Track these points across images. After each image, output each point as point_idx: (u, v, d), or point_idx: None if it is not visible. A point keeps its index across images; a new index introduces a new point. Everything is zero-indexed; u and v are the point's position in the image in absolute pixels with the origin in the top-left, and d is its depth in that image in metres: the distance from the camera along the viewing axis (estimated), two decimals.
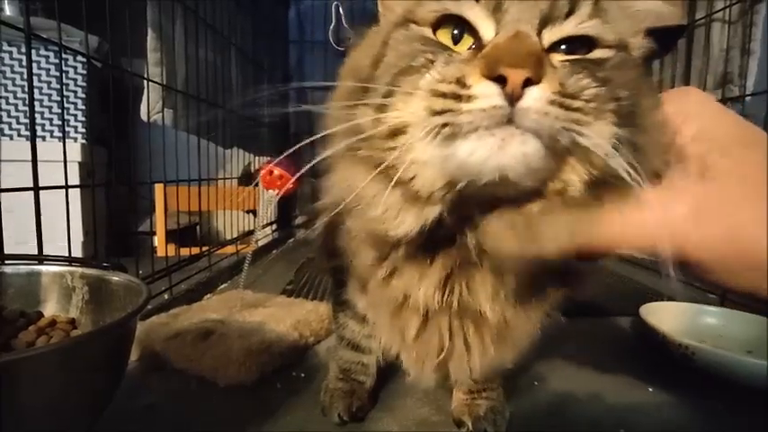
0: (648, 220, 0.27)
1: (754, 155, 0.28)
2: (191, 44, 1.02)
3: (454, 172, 0.28)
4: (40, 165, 0.60)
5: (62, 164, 0.68)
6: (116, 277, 0.45)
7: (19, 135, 1.53)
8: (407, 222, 0.31)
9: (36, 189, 0.59)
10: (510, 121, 0.25)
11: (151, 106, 0.91)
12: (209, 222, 1.70)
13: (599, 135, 0.26)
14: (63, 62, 1.47)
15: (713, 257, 0.26)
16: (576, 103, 0.26)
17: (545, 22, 0.28)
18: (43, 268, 0.46)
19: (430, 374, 0.40)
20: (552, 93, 0.25)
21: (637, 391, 0.59)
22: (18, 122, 1.53)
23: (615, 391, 0.59)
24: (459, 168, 0.27)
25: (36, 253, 0.58)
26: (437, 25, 0.31)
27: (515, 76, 0.25)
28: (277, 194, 0.91)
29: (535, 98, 0.25)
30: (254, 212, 1.67)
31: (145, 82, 0.91)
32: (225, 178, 1.42)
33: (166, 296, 0.91)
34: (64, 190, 0.68)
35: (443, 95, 0.27)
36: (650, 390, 0.59)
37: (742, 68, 0.94)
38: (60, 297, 0.46)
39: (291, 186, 0.92)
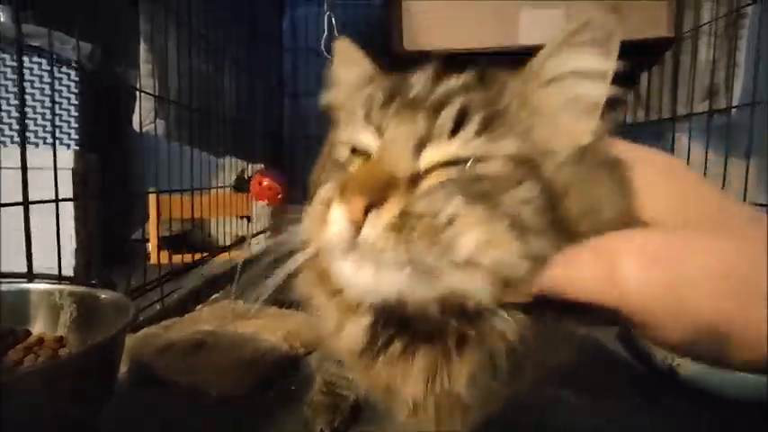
0: (589, 267, 0.26)
1: (717, 213, 0.27)
2: (183, 55, 1.02)
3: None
4: (32, 172, 0.60)
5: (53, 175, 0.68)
6: (104, 294, 0.46)
7: (12, 141, 1.53)
8: (353, 334, 0.30)
9: (25, 204, 0.59)
10: (356, 247, 0.26)
11: (143, 117, 0.91)
12: (203, 229, 1.70)
13: (466, 248, 0.25)
14: (56, 69, 1.47)
15: (648, 308, 0.25)
16: (423, 227, 0.25)
17: (423, 142, 0.28)
18: (31, 286, 0.47)
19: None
20: (390, 219, 0.25)
21: (623, 403, 0.59)
22: (11, 129, 1.53)
23: (601, 402, 0.59)
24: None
25: (26, 265, 0.59)
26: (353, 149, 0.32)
27: (354, 203, 0.25)
28: (267, 204, 0.91)
29: (373, 225, 0.25)
30: (249, 218, 1.67)
31: (137, 93, 0.91)
32: (218, 187, 1.42)
33: (158, 306, 0.91)
34: (55, 203, 0.68)
35: (316, 215, 0.28)
36: (636, 400, 0.60)
37: (728, 81, 0.95)
38: (48, 315, 0.47)
39: (281, 196, 0.93)
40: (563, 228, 0.27)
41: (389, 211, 0.25)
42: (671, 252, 0.25)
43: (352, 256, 0.26)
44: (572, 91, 0.31)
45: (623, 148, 0.31)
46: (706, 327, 0.24)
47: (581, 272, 0.26)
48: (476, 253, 0.25)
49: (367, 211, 0.25)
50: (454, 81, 0.31)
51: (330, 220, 0.26)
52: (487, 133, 0.28)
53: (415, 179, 0.27)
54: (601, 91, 0.30)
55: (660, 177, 0.29)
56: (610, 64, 0.30)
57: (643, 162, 0.30)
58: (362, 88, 0.35)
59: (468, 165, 0.28)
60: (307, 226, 0.29)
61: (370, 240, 0.25)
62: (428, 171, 0.28)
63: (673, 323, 0.25)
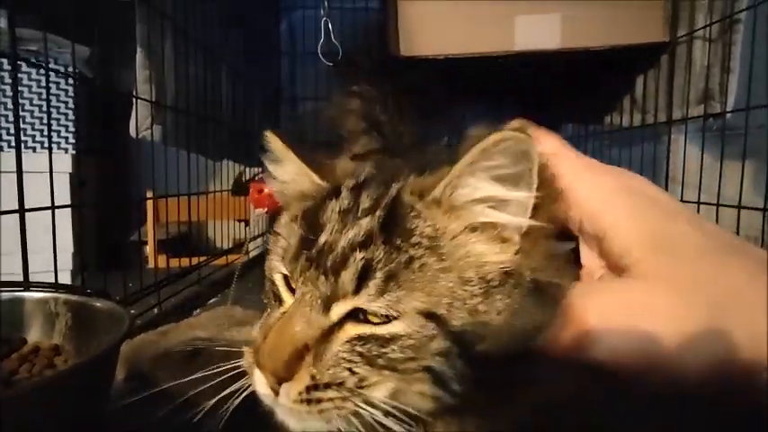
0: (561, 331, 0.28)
1: (696, 261, 0.26)
2: (180, 61, 1.03)
3: None
4: (32, 175, 0.60)
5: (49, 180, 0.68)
6: (99, 303, 0.46)
7: (9, 147, 1.53)
8: None
9: (21, 211, 0.59)
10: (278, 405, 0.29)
11: (140, 123, 0.92)
12: (201, 232, 1.70)
13: (377, 394, 0.28)
14: (52, 74, 1.47)
15: (619, 360, 0.27)
16: (331, 394, 0.27)
17: (330, 300, 0.29)
18: (26, 294, 0.47)
19: None
20: (299, 392, 0.28)
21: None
22: (9, 134, 1.53)
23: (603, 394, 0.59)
24: None
25: (21, 270, 0.59)
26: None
27: (267, 377, 0.29)
28: (266, 212, 0.91)
29: (286, 395, 0.28)
30: (246, 222, 1.67)
31: (133, 99, 0.91)
32: (215, 191, 1.42)
33: (156, 311, 0.91)
34: (51, 210, 0.68)
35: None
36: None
37: (723, 85, 0.95)
38: (44, 323, 0.47)
39: (280, 203, 0.93)
40: (485, 362, 0.28)
41: (296, 387, 0.28)
42: (631, 310, 0.27)
43: (277, 409, 0.30)
44: (482, 220, 0.29)
45: (576, 165, 0.31)
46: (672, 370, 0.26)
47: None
48: (389, 401, 0.28)
49: (280, 382, 0.28)
50: (355, 231, 0.29)
51: (254, 378, 0.30)
52: (389, 292, 0.28)
53: (329, 331, 0.29)
54: (516, 217, 0.29)
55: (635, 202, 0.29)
56: (522, 192, 0.28)
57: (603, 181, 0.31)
58: (292, 204, 0.36)
59: (377, 322, 0.28)
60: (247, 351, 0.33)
61: (287, 406, 0.28)
62: (341, 322, 0.29)
63: (647, 371, 0.26)
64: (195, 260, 1.20)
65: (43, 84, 1.51)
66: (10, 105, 1.51)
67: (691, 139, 1.09)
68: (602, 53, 1.08)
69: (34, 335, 0.47)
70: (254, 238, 1.49)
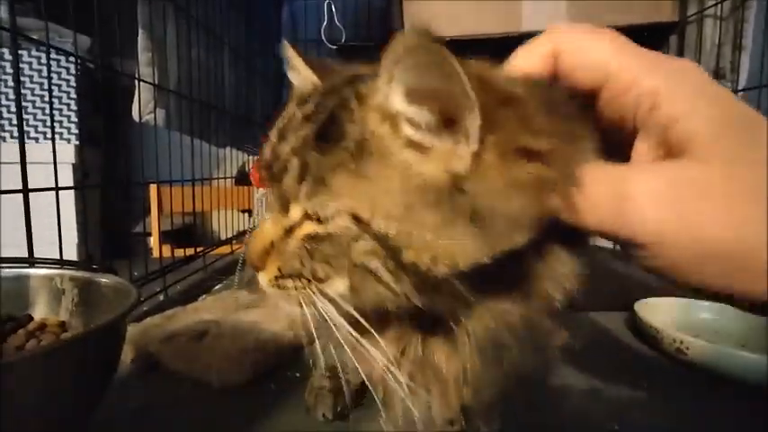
0: (603, 195, 0.26)
1: (753, 147, 0.24)
2: (183, 44, 1.01)
3: None
4: (33, 166, 0.59)
5: (53, 165, 0.68)
6: (105, 279, 0.45)
7: (12, 137, 1.53)
8: None
9: (25, 191, 0.58)
10: None
11: (143, 106, 0.91)
12: (205, 222, 1.70)
13: (335, 288, 0.31)
14: (54, 63, 1.46)
15: (670, 252, 0.25)
16: (291, 282, 0.32)
17: (286, 203, 0.32)
18: (32, 271, 0.46)
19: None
20: (269, 280, 0.33)
21: (630, 387, 0.59)
22: (11, 124, 1.52)
23: (609, 386, 0.59)
24: None
25: (26, 255, 0.58)
26: None
27: (253, 268, 0.33)
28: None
29: (262, 281, 0.33)
30: (250, 212, 1.67)
31: (136, 82, 0.90)
32: (219, 178, 1.42)
33: (161, 297, 0.91)
34: (55, 191, 0.67)
35: None
36: (644, 385, 0.59)
37: (734, 64, 0.94)
38: (50, 300, 0.46)
39: None
40: (416, 272, 0.29)
41: (267, 275, 0.33)
42: (683, 188, 0.25)
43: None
44: (409, 133, 0.28)
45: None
46: (719, 253, 0.24)
47: (592, 203, 0.27)
48: (343, 295, 0.31)
49: (259, 271, 0.33)
50: (296, 137, 0.31)
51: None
52: (318, 195, 0.30)
53: (290, 230, 0.32)
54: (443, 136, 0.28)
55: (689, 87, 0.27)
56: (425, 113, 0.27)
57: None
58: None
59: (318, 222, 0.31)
60: None
61: (268, 291, 0.33)
62: (299, 222, 0.32)
63: (685, 253, 0.24)
64: (200, 249, 1.19)
65: (44, 74, 1.50)
66: (11, 96, 1.51)
67: None
68: None
69: (40, 311, 0.46)
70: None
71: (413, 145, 0.28)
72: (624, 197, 0.26)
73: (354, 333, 0.32)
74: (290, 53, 0.39)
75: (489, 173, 0.28)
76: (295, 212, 0.32)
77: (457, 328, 0.33)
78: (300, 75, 0.39)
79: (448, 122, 0.28)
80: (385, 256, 0.29)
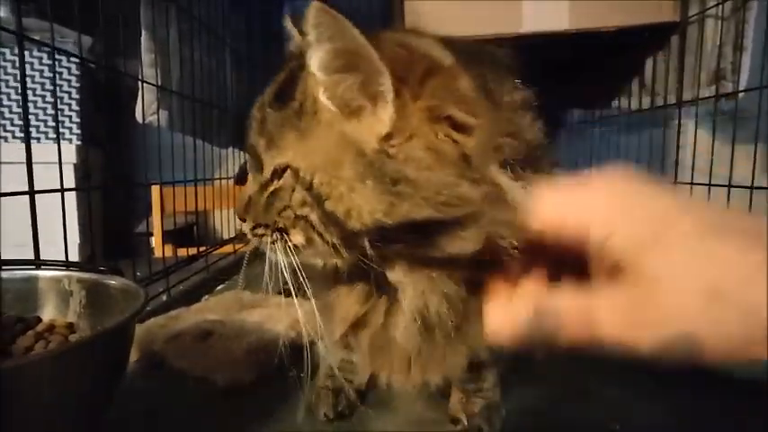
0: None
1: (687, 251, 0.24)
2: (185, 44, 1.02)
3: None
4: (35, 167, 0.60)
5: (58, 166, 0.68)
6: (113, 281, 0.45)
7: (14, 137, 1.53)
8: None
9: (31, 193, 0.59)
10: None
11: (146, 107, 0.91)
12: (207, 222, 1.70)
13: (295, 240, 0.34)
14: (56, 63, 1.47)
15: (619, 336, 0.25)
16: (263, 231, 0.35)
17: (260, 163, 0.35)
18: (40, 273, 0.47)
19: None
20: (249, 230, 0.36)
21: (631, 387, 0.59)
22: (13, 124, 1.53)
23: (611, 384, 0.59)
24: None
25: (33, 257, 0.59)
26: None
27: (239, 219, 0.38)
28: None
29: (245, 230, 0.37)
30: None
31: (139, 83, 0.91)
32: (221, 178, 1.42)
33: (165, 297, 0.92)
34: (60, 193, 0.67)
35: None
36: (644, 384, 0.59)
37: (735, 65, 0.94)
38: (58, 302, 0.46)
39: None
40: (336, 222, 0.31)
41: (247, 225, 0.36)
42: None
43: None
44: (325, 94, 0.31)
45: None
46: (679, 337, 0.24)
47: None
48: (302, 246, 0.34)
49: (244, 221, 0.37)
50: (263, 97, 0.35)
51: None
52: (270, 149, 0.34)
53: (264, 186, 0.35)
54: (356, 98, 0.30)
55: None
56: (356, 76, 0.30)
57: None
58: None
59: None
60: None
61: (250, 239, 0.37)
62: (272, 175, 0.34)
63: (646, 339, 0.25)
64: (202, 248, 1.20)
65: (46, 74, 1.50)
66: (13, 96, 1.51)
67: (700, 122, 1.08)
68: (610, 35, 1.07)
69: (49, 313, 0.46)
70: None
71: (337, 107, 0.31)
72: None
73: (292, 282, 0.36)
74: (288, 24, 0.41)
75: (414, 137, 0.30)
76: (267, 171, 0.35)
77: (397, 291, 0.35)
78: (294, 40, 0.41)
79: (371, 87, 0.30)
80: (313, 204, 0.32)
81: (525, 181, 0.30)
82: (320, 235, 0.32)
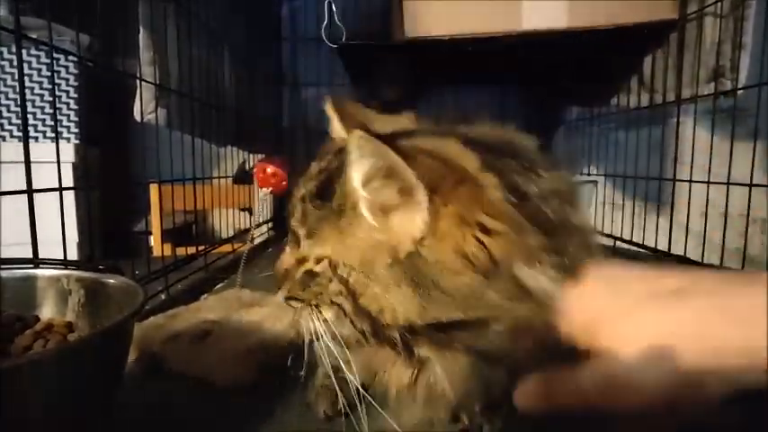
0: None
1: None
2: (184, 43, 1.01)
3: None
4: (33, 166, 0.59)
5: (56, 165, 0.68)
6: (112, 280, 0.45)
7: (12, 136, 1.52)
8: None
9: (30, 192, 0.58)
10: None
11: (144, 106, 0.91)
12: (205, 221, 1.70)
13: (327, 315, 0.38)
14: (54, 62, 1.46)
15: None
16: (295, 303, 0.40)
17: (298, 240, 0.39)
18: (38, 272, 0.46)
19: None
20: (283, 297, 0.40)
21: None
22: (10, 123, 1.52)
23: None
24: None
25: (31, 256, 0.58)
26: None
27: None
28: (271, 192, 0.91)
29: (279, 296, 0.41)
30: (250, 210, 1.67)
31: (138, 82, 0.90)
32: (220, 177, 1.42)
33: (163, 296, 0.91)
34: (58, 192, 0.67)
35: None
36: None
37: (734, 62, 0.94)
38: (56, 300, 0.46)
39: (285, 184, 0.93)
40: (369, 316, 0.35)
41: (281, 293, 0.40)
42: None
43: None
44: (371, 199, 0.34)
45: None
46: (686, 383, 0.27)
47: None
48: (333, 321, 0.38)
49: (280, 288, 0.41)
50: (305, 190, 0.39)
51: None
52: (309, 239, 0.37)
53: (300, 262, 0.39)
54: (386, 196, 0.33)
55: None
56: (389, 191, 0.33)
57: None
58: None
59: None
60: None
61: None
62: (305, 257, 0.38)
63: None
64: (201, 247, 1.19)
65: (43, 73, 1.50)
66: (10, 95, 1.50)
67: (699, 120, 1.08)
68: (609, 32, 1.07)
69: (47, 312, 0.46)
70: (260, 224, 1.49)
71: (375, 216, 0.34)
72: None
73: (333, 348, 0.39)
74: (328, 108, 0.44)
75: (444, 241, 0.32)
76: (303, 249, 0.38)
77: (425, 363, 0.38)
78: (334, 128, 0.44)
79: (406, 196, 0.33)
80: (348, 297, 0.35)
81: (554, 270, 0.33)
82: (352, 322, 0.36)
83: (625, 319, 0.29)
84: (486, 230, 0.32)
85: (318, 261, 0.36)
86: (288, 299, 0.39)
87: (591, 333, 0.30)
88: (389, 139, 0.32)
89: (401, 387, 0.42)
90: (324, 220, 0.36)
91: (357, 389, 0.53)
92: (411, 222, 0.33)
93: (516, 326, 0.33)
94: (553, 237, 0.34)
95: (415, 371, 0.39)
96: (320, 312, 0.37)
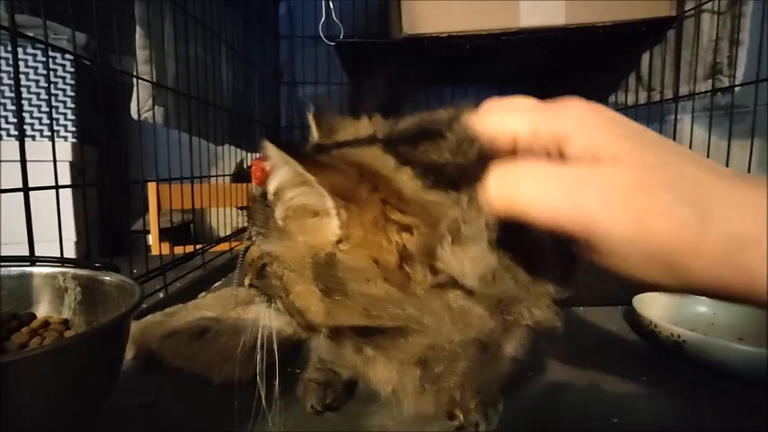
0: (556, 193, 0.26)
1: (651, 144, 0.27)
2: (180, 41, 1.01)
3: None
4: (29, 165, 0.59)
5: (52, 163, 0.68)
6: (109, 277, 0.45)
7: (8, 135, 1.52)
8: None
9: (26, 190, 0.58)
10: None
11: (141, 104, 0.90)
12: (203, 219, 1.70)
13: (277, 307, 0.39)
14: (50, 60, 1.46)
15: (619, 246, 0.25)
16: (255, 291, 0.41)
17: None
18: (35, 269, 0.46)
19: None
20: (248, 285, 0.42)
21: (629, 381, 0.59)
22: (7, 122, 1.51)
23: (608, 380, 0.59)
24: None
25: (27, 254, 0.58)
26: None
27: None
28: None
29: (245, 283, 0.43)
30: (248, 209, 1.67)
31: (134, 80, 0.90)
32: (218, 175, 1.41)
33: (161, 295, 0.91)
34: (54, 190, 0.67)
35: None
36: (643, 379, 0.60)
37: (731, 59, 0.94)
38: (53, 298, 0.46)
39: None
40: (298, 312, 0.36)
41: (246, 281, 0.42)
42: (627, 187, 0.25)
43: None
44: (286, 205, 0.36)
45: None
46: (661, 254, 0.24)
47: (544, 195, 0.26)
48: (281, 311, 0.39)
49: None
50: (261, 190, 0.39)
51: None
52: (261, 236, 0.38)
53: (261, 257, 0.40)
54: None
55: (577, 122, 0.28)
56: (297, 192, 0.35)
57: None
58: None
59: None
60: None
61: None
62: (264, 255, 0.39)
63: (634, 251, 0.25)
64: (199, 246, 1.19)
65: (39, 71, 1.49)
66: (8, 93, 1.50)
67: (696, 117, 1.08)
68: (607, 29, 1.07)
69: (43, 310, 0.46)
70: None
71: (296, 220, 0.36)
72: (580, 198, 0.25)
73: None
74: (309, 118, 0.46)
75: (360, 247, 0.33)
76: (256, 245, 0.40)
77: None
78: (312, 135, 0.46)
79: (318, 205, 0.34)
80: (283, 292, 0.37)
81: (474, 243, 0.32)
82: (290, 315, 0.38)
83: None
84: (403, 228, 0.33)
85: (266, 257, 0.39)
86: (251, 286, 0.42)
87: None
88: (302, 151, 0.34)
89: (384, 381, 0.42)
90: (269, 219, 0.38)
91: (346, 384, 0.54)
92: (327, 227, 0.34)
93: (443, 340, 0.35)
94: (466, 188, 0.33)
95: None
96: (274, 303, 0.40)
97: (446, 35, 1.10)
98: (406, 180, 0.33)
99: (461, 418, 0.48)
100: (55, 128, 1.50)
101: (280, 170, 0.34)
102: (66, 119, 1.54)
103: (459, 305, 0.34)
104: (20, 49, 1.43)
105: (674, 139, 1.16)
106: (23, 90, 1.46)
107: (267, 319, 0.42)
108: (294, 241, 0.36)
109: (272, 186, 0.36)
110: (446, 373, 0.38)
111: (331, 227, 0.34)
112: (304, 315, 0.36)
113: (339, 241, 0.34)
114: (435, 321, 0.34)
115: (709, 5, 0.99)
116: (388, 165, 0.34)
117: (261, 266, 0.40)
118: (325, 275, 0.34)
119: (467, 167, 0.32)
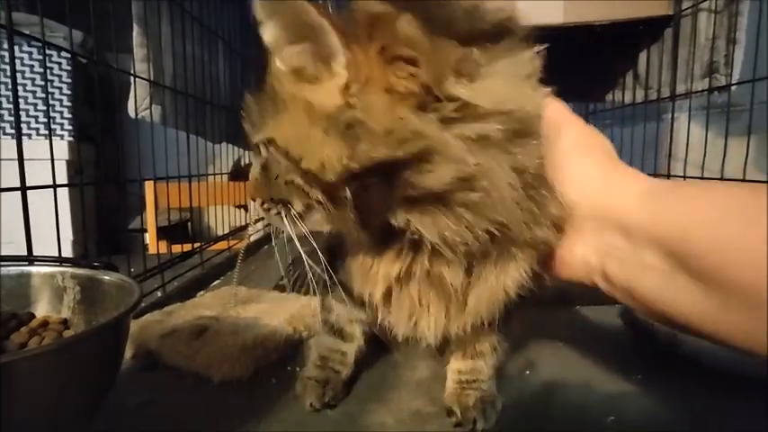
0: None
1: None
2: (177, 39, 1.01)
3: None
4: (26, 163, 0.59)
5: (50, 162, 0.67)
6: (107, 276, 0.45)
7: (5, 133, 1.51)
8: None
9: (23, 189, 0.58)
10: None
11: (139, 103, 0.90)
12: (201, 218, 1.70)
13: (297, 208, 0.38)
14: (47, 58, 1.45)
15: None
16: (269, 205, 0.40)
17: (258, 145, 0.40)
18: (33, 269, 0.46)
19: (407, 333, 0.45)
20: (260, 206, 0.41)
21: (626, 379, 0.60)
22: (3, 120, 1.51)
23: (605, 378, 0.60)
24: None
25: (25, 253, 0.58)
26: None
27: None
28: None
29: (257, 207, 0.41)
30: (246, 207, 1.67)
31: (132, 78, 0.90)
32: (215, 174, 1.41)
33: (159, 293, 0.91)
34: (52, 189, 0.67)
35: None
36: (639, 377, 0.60)
37: (728, 58, 0.94)
38: (51, 297, 0.46)
39: None
40: (315, 178, 0.35)
41: (258, 203, 0.41)
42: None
43: None
44: (294, 65, 0.35)
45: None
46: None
47: None
48: (302, 213, 0.38)
49: (254, 200, 0.41)
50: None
51: None
52: (258, 128, 0.38)
53: (262, 167, 0.40)
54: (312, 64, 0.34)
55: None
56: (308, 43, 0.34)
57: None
58: None
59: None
60: None
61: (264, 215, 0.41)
62: (262, 151, 0.39)
63: None
64: (197, 245, 1.19)
65: (36, 69, 1.48)
66: (4, 91, 1.49)
67: (693, 116, 1.09)
68: (604, 28, 1.07)
69: (42, 309, 0.46)
70: (256, 221, 1.48)
71: (296, 77, 0.35)
72: None
73: (300, 248, 0.40)
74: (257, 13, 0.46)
75: (369, 83, 0.32)
76: (254, 141, 0.39)
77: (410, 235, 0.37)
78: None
79: (324, 54, 0.33)
80: (293, 167, 0.35)
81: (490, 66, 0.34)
82: (308, 195, 0.36)
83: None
84: (410, 61, 0.32)
85: (266, 147, 0.37)
86: (263, 205, 0.40)
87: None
88: None
89: (390, 284, 0.41)
90: (261, 106, 0.38)
91: (344, 381, 0.54)
92: (332, 75, 0.33)
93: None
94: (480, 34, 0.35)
95: (407, 260, 0.39)
96: (292, 207, 0.38)
97: None
98: (406, 22, 0.32)
99: (459, 415, 0.48)
100: (52, 126, 1.50)
101: (272, 20, 0.33)
102: (62, 117, 1.53)
103: (476, 132, 0.33)
104: (16, 47, 1.42)
105: (672, 138, 1.17)
106: (19, 88, 1.46)
107: (288, 228, 0.39)
108: (294, 107, 0.35)
109: (267, 41, 0.35)
110: (477, 217, 0.34)
111: (336, 71, 0.33)
112: (323, 174, 0.34)
113: (347, 87, 0.33)
114: (455, 142, 0.32)
115: (706, 4, 0.99)
116: (386, 8, 0.33)
117: (264, 171, 0.39)
118: (343, 121, 0.33)
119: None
